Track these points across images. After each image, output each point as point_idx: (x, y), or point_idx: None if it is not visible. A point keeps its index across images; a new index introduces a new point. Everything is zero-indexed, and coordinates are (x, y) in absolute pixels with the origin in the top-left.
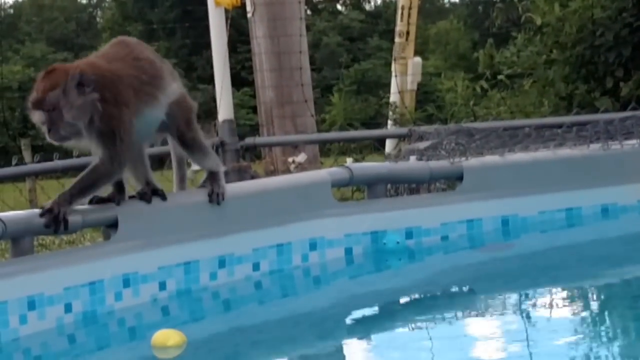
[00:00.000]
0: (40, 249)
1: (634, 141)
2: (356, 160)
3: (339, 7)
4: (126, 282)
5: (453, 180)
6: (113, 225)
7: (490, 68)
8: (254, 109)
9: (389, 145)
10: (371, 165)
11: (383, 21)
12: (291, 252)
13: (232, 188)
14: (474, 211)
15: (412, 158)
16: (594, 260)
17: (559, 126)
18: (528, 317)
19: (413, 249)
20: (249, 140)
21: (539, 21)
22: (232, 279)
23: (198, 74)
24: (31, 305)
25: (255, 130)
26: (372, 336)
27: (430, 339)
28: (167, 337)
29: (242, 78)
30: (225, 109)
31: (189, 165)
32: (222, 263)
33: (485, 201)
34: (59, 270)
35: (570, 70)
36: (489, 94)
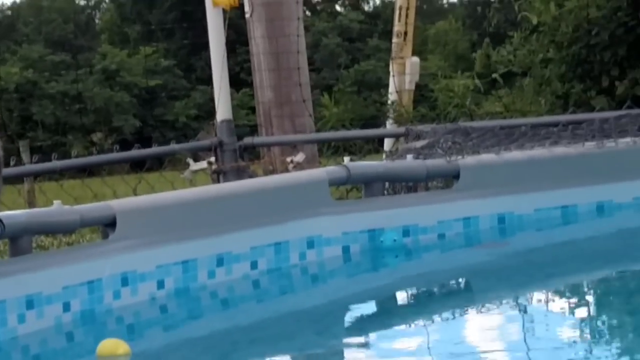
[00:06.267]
0: (39, 250)
1: (628, 139)
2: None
3: (337, 7)
4: (124, 281)
5: (450, 178)
6: (111, 224)
7: (486, 68)
8: (254, 110)
9: (388, 145)
10: (368, 164)
11: (382, 22)
12: (289, 250)
13: (230, 187)
14: (471, 209)
15: (409, 157)
16: (589, 257)
17: (555, 125)
18: (525, 313)
19: (410, 247)
20: (247, 140)
21: (535, 20)
22: (230, 277)
23: (197, 75)
24: (29, 304)
25: (254, 130)
26: (370, 333)
27: (428, 335)
28: (116, 345)
29: (241, 79)
30: (223, 109)
31: (187, 165)
32: (220, 261)
33: (481, 199)
34: (57, 269)
35: (566, 69)
36: (492, 92)
